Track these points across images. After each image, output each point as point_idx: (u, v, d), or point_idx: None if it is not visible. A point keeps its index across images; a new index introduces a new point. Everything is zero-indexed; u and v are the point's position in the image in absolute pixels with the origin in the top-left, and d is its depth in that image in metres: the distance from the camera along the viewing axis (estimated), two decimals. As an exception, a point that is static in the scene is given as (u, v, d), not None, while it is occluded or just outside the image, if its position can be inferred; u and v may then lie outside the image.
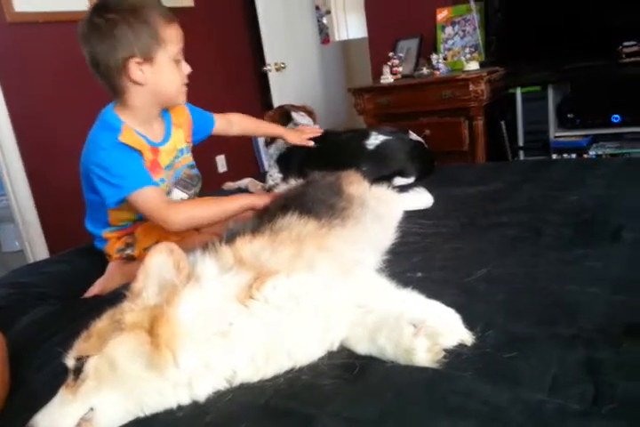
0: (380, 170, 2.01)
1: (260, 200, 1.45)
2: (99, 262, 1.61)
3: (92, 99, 3.12)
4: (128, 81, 1.43)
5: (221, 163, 3.98)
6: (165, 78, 1.46)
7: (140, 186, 1.40)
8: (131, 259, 1.56)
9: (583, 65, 2.85)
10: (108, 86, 1.47)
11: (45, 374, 0.97)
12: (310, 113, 2.45)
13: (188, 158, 1.68)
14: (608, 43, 2.87)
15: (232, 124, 1.90)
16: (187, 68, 1.51)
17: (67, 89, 3.09)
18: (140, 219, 1.56)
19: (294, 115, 2.35)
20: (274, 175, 2.24)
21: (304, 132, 2.10)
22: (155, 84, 1.45)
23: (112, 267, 1.58)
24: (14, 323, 1.23)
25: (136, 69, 1.41)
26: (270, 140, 2.35)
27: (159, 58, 1.43)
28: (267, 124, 2.11)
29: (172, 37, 1.44)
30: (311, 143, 2.09)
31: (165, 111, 1.62)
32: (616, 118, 2.92)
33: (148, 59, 1.41)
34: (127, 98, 1.47)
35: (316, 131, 2.14)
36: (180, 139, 1.64)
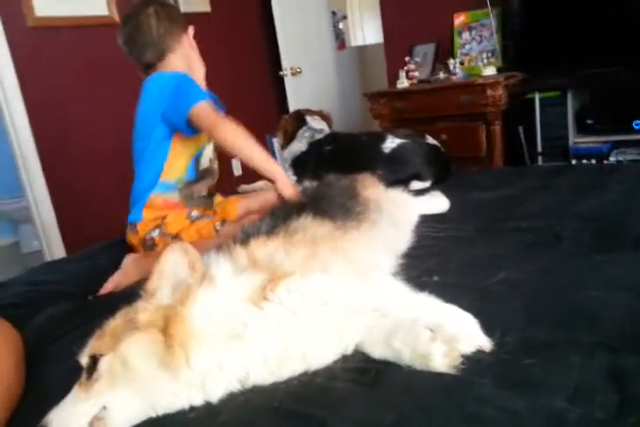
0: (397, 174, 2.00)
1: (287, 191, 1.57)
2: (117, 260, 1.62)
3: (108, 101, 3.17)
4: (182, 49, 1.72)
5: (237, 166, 4.00)
6: (194, 58, 1.77)
7: (203, 98, 1.59)
8: (150, 248, 1.61)
9: (603, 70, 2.82)
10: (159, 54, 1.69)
11: (59, 373, 0.96)
12: (326, 117, 2.44)
13: None
14: (628, 47, 2.84)
15: None
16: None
17: (84, 92, 3.12)
18: (192, 178, 1.72)
19: (308, 119, 2.35)
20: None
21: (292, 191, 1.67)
22: (190, 58, 1.76)
23: (127, 262, 1.60)
24: (30, 320, 1.23)
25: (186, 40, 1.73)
26: (285, 144, 2.35)
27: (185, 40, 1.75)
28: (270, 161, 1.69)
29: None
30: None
31: None
32: (637, 124, 2.87)
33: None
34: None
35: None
36: None
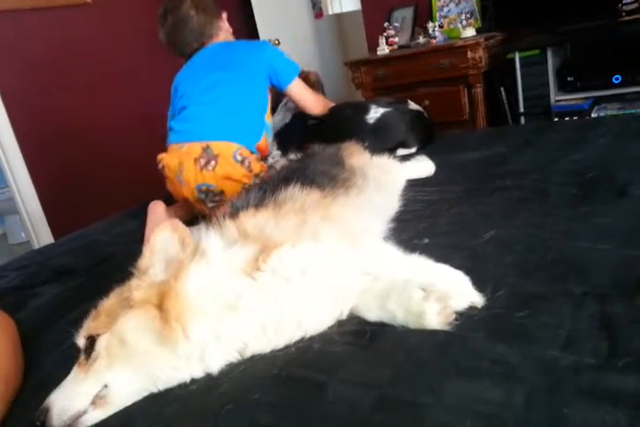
0: (383, 143, 1.98)
1: None
2: (115, 240, 1.63)
3: (84, 85, 3.11)
4: None
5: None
6: (230, 39, 2.09)
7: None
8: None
9: (582, 26, 2.79)
10: None
11: (58, 354, 0.97)
12: (312, 82, 2.39)
13: None
14: (607, 1, 2.81)
15: None
16: None
17: (59, 75, 3.06)
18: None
19: None
20: (272, 152, 2.21)
21: None
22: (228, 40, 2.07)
23: (157, 213, 1.63)
24: (27, 303, 1.24)
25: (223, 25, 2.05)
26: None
27: None
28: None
29: None
30: None
31: None
32: (617, 79, 2.86)
33: None
34: None
35: None
36: None
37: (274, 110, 2.27)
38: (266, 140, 1.90)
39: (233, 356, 0.84)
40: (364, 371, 0.75)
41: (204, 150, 1.64)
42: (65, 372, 0.82)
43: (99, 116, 3.13)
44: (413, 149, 2.02)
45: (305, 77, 2.37)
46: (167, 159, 1.72)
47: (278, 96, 2.32)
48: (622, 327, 0.74)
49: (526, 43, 2.98)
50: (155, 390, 0.81)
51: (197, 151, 1.64)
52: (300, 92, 1.98)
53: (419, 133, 2.07)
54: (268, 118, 1.93)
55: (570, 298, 0.82)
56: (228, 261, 0.88)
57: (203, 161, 1.63)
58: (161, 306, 0.82)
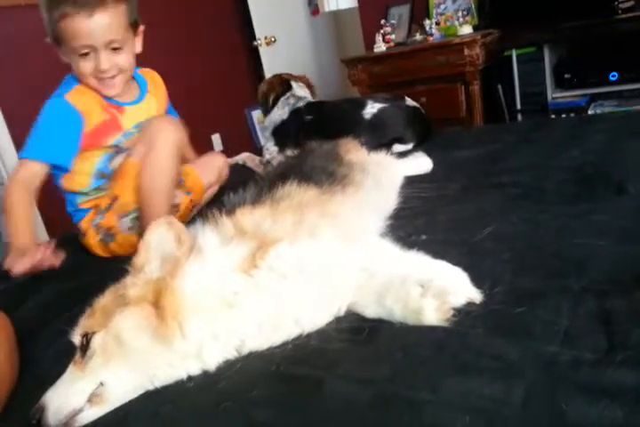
0: (379, 139, 1.98)
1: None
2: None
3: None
4: None
5: (217, 142, 3.94)
6: (74, 66, 1.46)
7: (27, 156, 1.45)
8: (108, 240, 1.50)
9: (579, 23, 2.80)
10: None
11: (54, 352, 0.96)
12: (309, 84, 2.40)
13: None
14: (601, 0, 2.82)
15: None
16: (103, 63, 1.41)
17: (54, 72, 3.03)
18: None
19: (294, 85, 2.30)
20: (270, 149, 2.21)
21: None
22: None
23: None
24: (23, 302, 1.23)
25: (56, 50, 1.46)
26: (266, 110, 2.32)
27: (62, 49, 1.45)
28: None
29: (68, 35, 1.39)
30: None
31: (141, 77, 1.61)
32: (614, 76, 2.87)
33: (56, 43, 1.44)
34: None
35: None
36: (153, 107, 1.60)
37: (274, 104, 2.27)
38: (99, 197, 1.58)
39: (230, 353, 0.83)
40: (361, 368, 0.74)
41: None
42: (61, 370, 0.82)
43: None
44: (410, 145, 2.02)
45: (301, 80, 2.38)
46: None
47: (280, 88, 2.32)
48: (620, 323, 0.74)
49: (523, 40, 2.99)
50: (151, 387, 0.81)
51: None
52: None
53: (416, 129, 2.07)
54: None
55: (568, 294, 0.82)
56: (225, 258, 0.87)
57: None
58: (157, 303, 0.81)
